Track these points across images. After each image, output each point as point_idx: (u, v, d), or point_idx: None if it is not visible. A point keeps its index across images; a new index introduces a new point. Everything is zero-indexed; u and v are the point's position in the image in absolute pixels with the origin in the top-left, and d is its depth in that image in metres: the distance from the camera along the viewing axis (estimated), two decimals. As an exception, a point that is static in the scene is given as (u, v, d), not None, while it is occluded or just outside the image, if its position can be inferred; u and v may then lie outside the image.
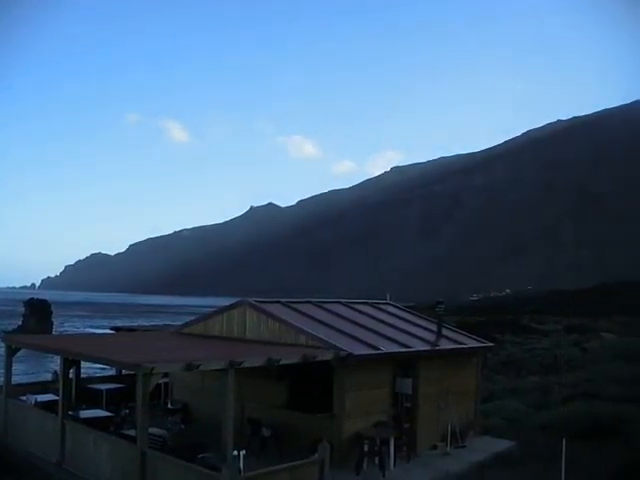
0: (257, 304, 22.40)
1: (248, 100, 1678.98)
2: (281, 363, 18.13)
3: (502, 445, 23.63)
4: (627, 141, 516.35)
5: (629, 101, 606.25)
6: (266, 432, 20.05)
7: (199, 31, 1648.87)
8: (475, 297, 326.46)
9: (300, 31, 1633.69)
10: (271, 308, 22.43)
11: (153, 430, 17.58)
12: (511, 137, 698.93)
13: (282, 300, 24.36)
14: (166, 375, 23.40)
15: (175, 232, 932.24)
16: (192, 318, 26.79)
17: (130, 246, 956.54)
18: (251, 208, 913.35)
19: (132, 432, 17.00)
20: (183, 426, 22.15)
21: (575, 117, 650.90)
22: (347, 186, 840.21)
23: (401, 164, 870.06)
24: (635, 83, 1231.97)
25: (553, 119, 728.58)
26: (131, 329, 34.22)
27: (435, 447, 22.02)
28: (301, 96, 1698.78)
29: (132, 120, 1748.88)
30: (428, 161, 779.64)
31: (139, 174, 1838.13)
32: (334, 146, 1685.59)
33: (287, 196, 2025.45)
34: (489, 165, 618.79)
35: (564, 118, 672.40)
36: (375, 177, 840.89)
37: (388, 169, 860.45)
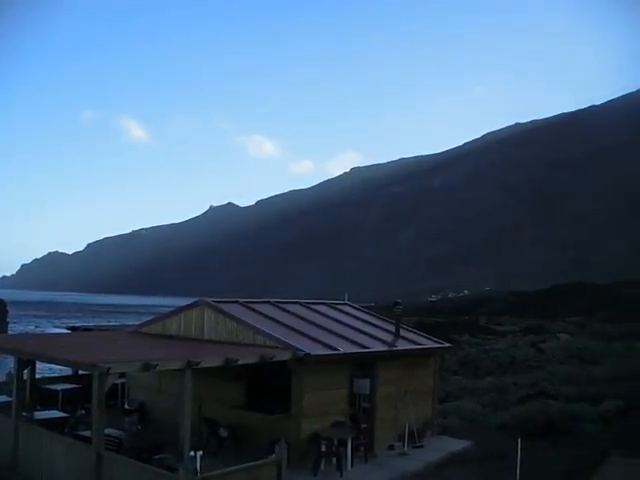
0: (215, 304, 22.33)
1: (208, 99, 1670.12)
2: (239, 363, 18.07)
3: (459, 445, 23.83)
4: (584, 144, 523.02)
5: (585, 106, 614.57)
6: (223, 432, 19.99)
7: (159, 29, 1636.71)
8: (433, 298, 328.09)
9: (259, 31, 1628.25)
10: (229, 308, 22.37)
11: (109, 431, 17.43)
12: (471, 139, 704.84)
13: (240, 300, 24.32)
14: (123, 375, 23.25)
15: (134, 231, 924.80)
16: (150, 318, 26.62)
17: (88, 245, 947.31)
18: (210, 208, 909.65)
19: (88, 433, 16.84)
20: (140, 427, 21.99)
21: (533, 120, 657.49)
22: (307, 186, 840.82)
23: (361, 165, 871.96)
24: (593, 88, 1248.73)
25: (512, 122, 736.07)
26: (88, 329, 33.91)
27: (392, 447, 22.13)
28: (261, 95, 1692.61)
29: (88, 117, 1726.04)
30: (388, 162, 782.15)
31: (97, 173, 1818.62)
32: (294, 146, 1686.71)
33: (247, 196, 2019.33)
34: (449, 167, 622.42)
35: (523, 121, 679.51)
36: (335, 177, 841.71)
37: (348, 170, 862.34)
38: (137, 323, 28.08)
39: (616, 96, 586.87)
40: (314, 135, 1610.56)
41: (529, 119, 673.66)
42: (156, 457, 16.37)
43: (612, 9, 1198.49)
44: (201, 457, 16.66)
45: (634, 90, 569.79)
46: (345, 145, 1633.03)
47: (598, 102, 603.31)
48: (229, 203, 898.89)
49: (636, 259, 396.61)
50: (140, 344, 22.04)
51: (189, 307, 23.16)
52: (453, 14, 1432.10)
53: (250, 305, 23.69)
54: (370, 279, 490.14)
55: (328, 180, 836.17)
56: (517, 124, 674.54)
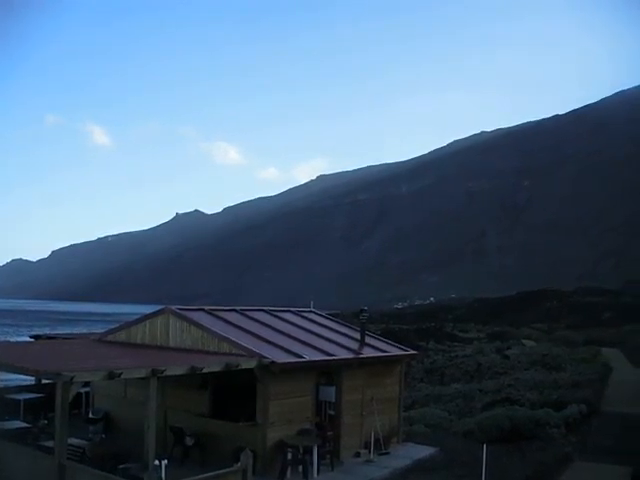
0: (180, 312, 22.21)
1: (172, 104, 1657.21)
2: (204, 371, 17.99)
3: (425, 451, 23.89)
4: (547, 153, 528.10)
5: (549, 115, 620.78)
6: (189, 441, 19.88)
7: (122, 32, 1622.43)
8: (400, 305, 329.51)
9: (223, 35, 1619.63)
10: (194, 316, 22.26)
11: (72, 441, 17.27)
12: (437, 147, 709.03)
13: (206, 308, 24.24)
14: (87, 384, 23.03)
15: (99, 238, 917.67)
16: (116, 325, 26.41)
17: (52, 252, 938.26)
18: (177, 215, 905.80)
19: (50, 443, 16.65)
20: (104, 436, 21.81)
21: (499, 128, 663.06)
22: (273, 193, 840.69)
23: (327, 172, 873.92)
24: (557, 97, 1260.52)
25: (477, 130, 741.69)
26: (52, 337, 33.48)
27: (359, 454, 22.14)
28: (225, 101, 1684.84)
29: (51, 122, 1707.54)
30: (354, 170, 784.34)
31: (61, 178, 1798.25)
32: (259, 153, 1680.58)
33: (213, 203, 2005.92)
34: (415, 174, 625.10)
35: (488, 129, 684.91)
36: (301, 185, 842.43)
37: (314, 177, 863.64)
38: (102, 331, 27.82)
39: (579, 106, 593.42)
40: (279, 142, 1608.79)
41: (494, 127, 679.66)
42: (121, 466, 16.26)
43: (576, 19, 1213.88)
44: (166, 466, 16.54)
45: (596, 100, 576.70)
46: (311, 152, 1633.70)
47: (562, 112, 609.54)
48: (196, 210, 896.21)
49: (599, 267, 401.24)
50: (105, 352, 21.84)
51: (154, 315, 22.99)
52: (424, 22, 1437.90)
53: (216, 313, 23.60)
54: (336, 286, 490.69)
55: (294, 187, 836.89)
56: (482, 132, 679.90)
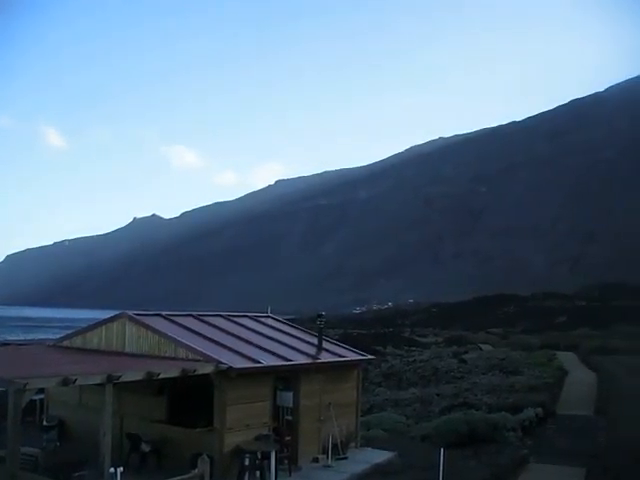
0: (137, 317, 22.02)
1: (128, 107, 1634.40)
2: (160, 377, 17.84)
3: (382, 456, 23.93)
4: (503, 159, 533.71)
5: (505, 122, 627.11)
6: (145, 447, 19.72)
7: (78, 32, 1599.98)
8: (358, 310, 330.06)
9: (180, 36, 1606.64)
10: (151, 321, 22.09)
11: (25, 449, 16.99)
12: (395, 152, 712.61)
13: (163, 313, 24.06)
14: (42, 391, 22.72)
15: (56, 243, 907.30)
16: (71, 331, 26.09)
17: (7, 257, 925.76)
18: (134, 219, 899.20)
19: (2, 452, 16.38)
20: (59, 444, 21.54)
21: (456, 134, 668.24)
22: (231, 198, 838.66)
23: (285, 177, 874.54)
24: (514, 104, 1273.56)
25: (435, 136, 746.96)
26: (5, 343, 33.04)
27: (317, 459, 22.11)
28: (183, 104, 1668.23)
29: (4, 124, 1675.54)
30: (313, 175, 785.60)
31: (15, 182, 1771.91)
32: (217, 157, 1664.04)
33: (171, 207, 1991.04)
34: (374, 179, 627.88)
35: (446, 135, 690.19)
36: (259, 190, 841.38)
37: (272, 182, 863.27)
38: (58, 337, 27.50)
39: (535, 113, 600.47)
40: (237, 145, 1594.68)
41: (452, 133, 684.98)
42: (75, 475, 16.06)
43: (531, 25, 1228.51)
44: (122, 473, 16.34)
45: (551, 108, 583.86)
46: (269, 156, 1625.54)
47: (519, 118, 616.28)
48: (153, 215, 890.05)
49: (554, 271, 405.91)
50: (59, 358, 21.56)
51: (111, 320, 22.77)
52: (380, 28, 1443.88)
53: (172, 318, 23.44)
54: (295, 291, 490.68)
55: (252, 192, 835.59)
56: (440, 138, 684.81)
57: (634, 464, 24.75)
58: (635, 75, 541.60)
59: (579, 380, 51.99)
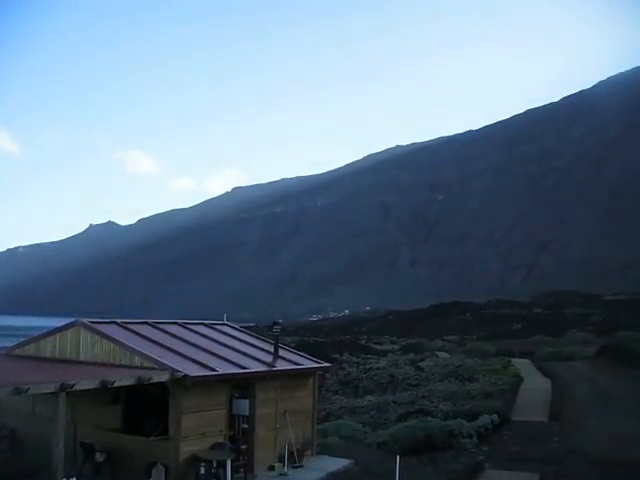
0: (91, 324, 21.77)
1: (82, 112, 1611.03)
2: (115, 385, 17.64)
3: (339, 464, 23.89)
4: (459, 168, 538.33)
5: (462, 131, 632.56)
6: (100, 457, 19.49)
7: (29, 33, 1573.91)
8: (315, 317, 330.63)
9: (135, 38, 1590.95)
10: (106, 329, 21.85)
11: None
12: (352, 160, 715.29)
13: (118, 320, 23.82)
14: (-7, 400, 22.37)
15: (9, 249, 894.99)
16: (25, 339, 25.71)
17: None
18: (90, 226, 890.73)
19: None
20: (10, 454, 21.20)
21: (414, 143, 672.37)
22: (188, 205, 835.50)
23: (243, 184, 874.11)
24: (470, 113, 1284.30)
25: (393, 144, 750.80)
26: (-44, 352, 32.42)
27: (273, 468, 22.02)
28: (137, 108, 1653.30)
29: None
30: (270, 182, 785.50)
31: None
32: (173, 163, 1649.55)
33: (127, 214, 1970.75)
34: (331, 187, 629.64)
35: (403, 143, 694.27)
36: (216, 197, 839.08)
37: (229, 189, 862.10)
38: (10, 345, 27.07)
39: (491, 122, 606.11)
40: (194, 152, 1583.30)
41: (409, 142, 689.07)
42: (27, 484, 15.84)
43: (488, 36, 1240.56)
44: (75, 483, 16.20)
45: (508, 117, 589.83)
46: (227, 163, 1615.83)
47: (475, 127, 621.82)
48: (109, 221, 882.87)
49: (509, 279, 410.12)
50: (11, 367, 21.23)
51: (65, 328, 22.47)
52: (347, 36, 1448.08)
53: (127, 325, 23.22)
54: (251, 299, 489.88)
55: (209, 199, 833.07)
56: (398, 146, 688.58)
57: (587, 469, 25.08)
58: (588, 86, 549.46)
59: (534, 387, 52.46)
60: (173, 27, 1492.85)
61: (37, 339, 23.60)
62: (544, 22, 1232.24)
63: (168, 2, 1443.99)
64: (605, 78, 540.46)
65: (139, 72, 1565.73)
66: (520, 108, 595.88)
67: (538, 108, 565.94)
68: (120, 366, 20.13)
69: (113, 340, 20.92)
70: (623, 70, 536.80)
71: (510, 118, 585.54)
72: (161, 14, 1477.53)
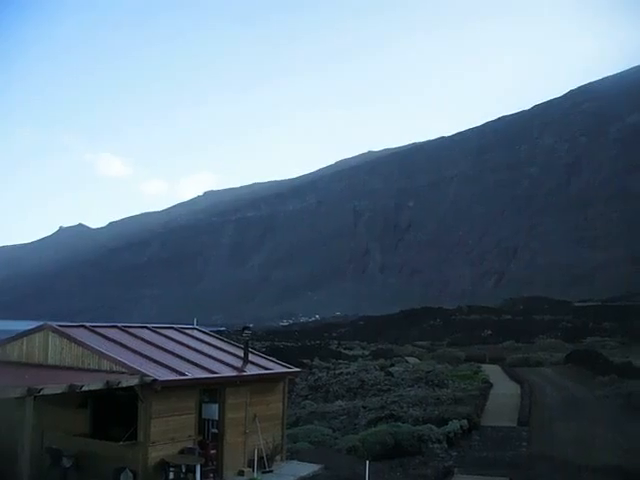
0: (59, 328, 21.57)
1: (52, 110, 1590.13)
2: (83, 390, 17.49)
3: (309, 469, 23.89)
4: (430, 174, 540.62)
5: (434, 137, 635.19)
6: (67, 462, 19.29)
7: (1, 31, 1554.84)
8: (285, 322, 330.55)
9: (108, 40, 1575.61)
10: (74, 332, 21.67)
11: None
12: (324, 165, 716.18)
13: (87, 324, 23.64)
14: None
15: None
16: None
17: None
18: (60, 228, 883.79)
19: None
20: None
21: (385, 149, 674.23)
22: (159, 208, 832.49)
23: (214, 188, 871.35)
24: (442, 120, 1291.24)
25: (365, 149, 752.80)
26: None
27: (242, 473, 21.97)
28: (109, 110, 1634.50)
29: None
30: (241, 186, 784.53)
31: None
32: (144, 166, 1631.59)
33: (98, 217, 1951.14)
34: (302, 192, 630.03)
35: (375, 149, 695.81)
36: (188, 201, 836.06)
37: (201, 193, 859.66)
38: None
39: (462, 129, 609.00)
40: (166, 155, 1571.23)
41: (381, 148, 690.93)
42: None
43: (460, 43, 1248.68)
44: (41, 489, 16.03)
45: (479, 125, 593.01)
46: (199, 167, 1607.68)
47: (447, 134, 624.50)
48: (80, 224, 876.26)
49: (479, 285, 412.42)
50: (-22, 371, 21.00)
51: (32, 332, 22.25)
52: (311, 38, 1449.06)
53: (96, 329, 23.05)
54: (222, 303, 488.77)
55: (181, 203, 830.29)
56: (369, 152, 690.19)
57: (554, 473, 25.27)
58: (559, 95, 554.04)
59: (503, 392, 52.76)
60: (146, 28, 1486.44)
61: (4, 343, 23.33)
62: (515, 31, 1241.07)
63: (142, 3, 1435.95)
64: (575, 87, 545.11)
65: (111, 74, 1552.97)
66: (492, 115, 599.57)
67: (509, 116, 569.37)
68: (89, 370, 19.97)
69: (82, 344, 20.75)
70: (592, 80, 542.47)
71: (482, 125, 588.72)
72: (136, 13, 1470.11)
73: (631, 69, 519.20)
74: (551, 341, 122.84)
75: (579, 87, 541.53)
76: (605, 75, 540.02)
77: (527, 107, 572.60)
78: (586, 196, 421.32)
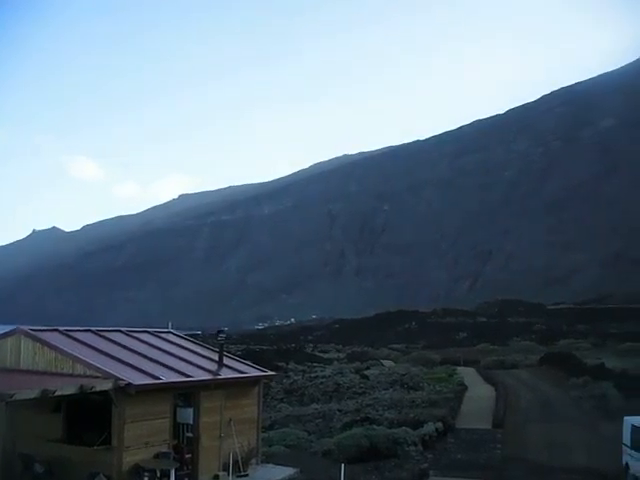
0: (32, 332, 21.38)
1: (26, 114, 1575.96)
2: (57, 394, 17.34)
3: (284, 472, 23.86)
4: (406, 177, 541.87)
5: (410, 141, 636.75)
6: (39, 468, 19.11)
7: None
8: (261, 326, 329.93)
9: (83, 40, 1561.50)
10: (47, 336, 21.48)
11: None
12: (299, 169, 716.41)
13: (60, 328, 23.44)
14: None
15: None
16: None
17: None
18: (34, 231, 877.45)
19: None
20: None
21: (361, 152, 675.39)
22: (134, 211, 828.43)
23: (190, 191, 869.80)
24: (417, 123, 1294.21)
25: (340, 153, 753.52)
26: None
27: (217, 477, 21.89)
28: (82, 113, 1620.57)
29: None
30: (217, 190, 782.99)
31: None
32: (119, 168, 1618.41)
33: (72, 220, 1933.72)
34: (277, 195, 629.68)
35: (351, 153, 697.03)
36: (163, 204, 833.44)
37: (176, 196, 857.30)
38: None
39: (437, 133, 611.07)
40: (140, 157, 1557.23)
41: (356, 151, 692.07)
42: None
43: (437, 46, 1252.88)
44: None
45: (454, 128, 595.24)
46: (173, 169, 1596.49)
47: (423, 137, 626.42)
48: (53, 227, 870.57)
49: (454, 288, 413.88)
50: (-51, 376, 20.78)
51: (4, 335, 22.04)
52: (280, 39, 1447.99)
53: (70, 333, 22.86)
54: (197, 307, 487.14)
55: (156, 206, 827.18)
56: (345, 155, 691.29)
57: (528, 475, 25.43)
58: (534, 99, 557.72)
59: (478, 395, 53.06)
60: (118, 26, 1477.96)
61: (-24, 347, 23.13)
62: (490, 36, 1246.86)
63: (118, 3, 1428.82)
64: (549, 92, 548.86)
65: (84, 75, 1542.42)
66: (467, 119, 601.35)
67: (484, 120, 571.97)
68: (62, 375, 19.81)
69: (55, 348, 20.58)
70: (566, 84, 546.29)
71: (457, 129, 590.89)
72: (111, 13, 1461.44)
73: (604, 74, 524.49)
74: (525, 343, 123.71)
75: (553, 92, 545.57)
76: (579, 80, 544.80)
77: (502, 111, 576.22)
78: (560, 200, 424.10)
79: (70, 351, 20.47)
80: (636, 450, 23.43)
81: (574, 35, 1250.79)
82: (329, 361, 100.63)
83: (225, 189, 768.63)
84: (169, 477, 18.96)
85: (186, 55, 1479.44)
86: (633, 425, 24.31)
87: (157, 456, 19.59)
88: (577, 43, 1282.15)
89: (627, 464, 24.46)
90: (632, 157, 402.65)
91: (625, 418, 25.82)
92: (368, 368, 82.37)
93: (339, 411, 44.94)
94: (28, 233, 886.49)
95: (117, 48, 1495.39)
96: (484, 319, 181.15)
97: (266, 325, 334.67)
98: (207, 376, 22.34)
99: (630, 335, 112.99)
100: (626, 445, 24.83)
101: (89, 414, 20.60)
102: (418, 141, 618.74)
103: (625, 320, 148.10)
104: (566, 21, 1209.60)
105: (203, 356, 25.02)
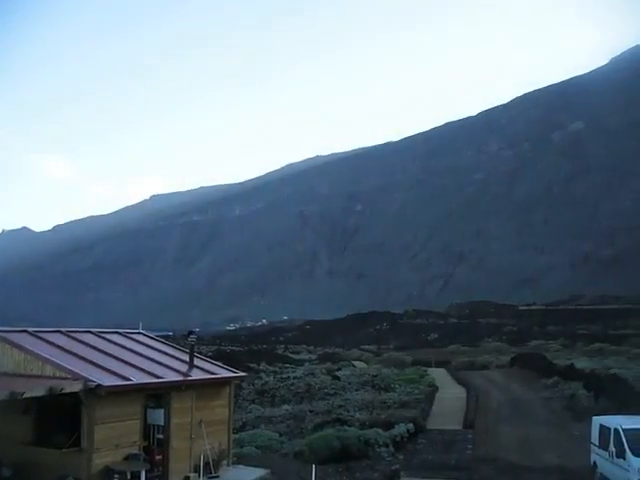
0: (0, 333, 21.17)
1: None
2: (25, 396, 17.15)
3: (255, 474, 23.78)
4: (378, 178, 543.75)
5: (382, 142, 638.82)
6: (6, 472, 18.89)
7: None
8: (232, 327, 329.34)
9: (51, 37, 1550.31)
10: (16, 337, 21.26)
11: None
12: (271, 169, 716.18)
13: (29, 329, 23.20)
14: None
15: None
16: None
17: None
18: (3, 232, 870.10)
19: None
20: None
21: (333, 153, 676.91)
22: (106, 211, 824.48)
23: (161, 192, 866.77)
24: (389, 124, 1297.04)
25: (313, 154, 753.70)
26: None
27: (188, 478, 21.77)
28: (53, 111, 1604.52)
29: None
30: (188, 190, 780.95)
31: None
32: (91, 168, 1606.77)
33: (43, 220, 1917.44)
34: (249, 196, 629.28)
35: (323, 154, 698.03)
36: (134, 204, 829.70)
37: (148, 197, 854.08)
38: None
39: (411, 134, 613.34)
40: (112, 157, 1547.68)
41: (329, 152, 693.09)
42: None
43: (410, 46, 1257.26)
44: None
45: (426, 130, 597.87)
46: (145, 169, 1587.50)
47: (395, 139, 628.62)
48: (24, 227, 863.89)
49: (426, 290, 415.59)
50: None
51: (-29, 337, 21.83)
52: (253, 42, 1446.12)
53: (39, 334, 22.64)
54: (168, 307, 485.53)
55: (127, 207, 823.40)
56: (317, 156, 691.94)
57: (498, 475, 25.57)
58: (504, 102, 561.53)
59: (449, 396, 53.29)
60: (89, 27, 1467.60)
61: (-58, 348, 22.85)
62: (462, 36, 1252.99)
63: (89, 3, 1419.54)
64: (520, 95, 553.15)
65: (55, 73, 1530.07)
66: (439, 121, 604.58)
67: (456, 121, 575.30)
68: (31, 376, 19.60)
69: (23, 349, 20.37)
70: (537, 88, 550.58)
71: (429, 130, 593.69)
72: (81, 13, 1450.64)
73: (573, 78, 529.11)
74: (496, 344, 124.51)
75: (524, 94, 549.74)
76: (549, 83, 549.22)
77: (473, 113, 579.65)
78: (530, 201, 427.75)
79: (39, 352, 20.26)
80: (604, 449, 23.68)
81: (544, 39, 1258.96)
82: (300, 362, 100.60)
83: (197, 190, 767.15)
84: (139, 479, 18.85)
85: (160, 53, 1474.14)
86: (601, 425, 24.56)
87: (127, 458, 19.45)
88: (547, 47, 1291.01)
89: (595, 463, 24.73)
90: (601, 160, 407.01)
91: (594, 418, 26.10)
92: (339, 369, 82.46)
93: (310, 412, 44.91)
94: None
95: (87, 46, 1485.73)
96: (455, 320, 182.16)
97: (237, 326, 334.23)
98: (178, 377, 22.22)
99: (599, 336, 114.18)
100: (594, 444, 25.11)
101: (59, 416, 20.42)
102: (390, 142, 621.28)
103: (595, 321, 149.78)
104: (541, 23, 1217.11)
105: (174, 357, 24.89)
